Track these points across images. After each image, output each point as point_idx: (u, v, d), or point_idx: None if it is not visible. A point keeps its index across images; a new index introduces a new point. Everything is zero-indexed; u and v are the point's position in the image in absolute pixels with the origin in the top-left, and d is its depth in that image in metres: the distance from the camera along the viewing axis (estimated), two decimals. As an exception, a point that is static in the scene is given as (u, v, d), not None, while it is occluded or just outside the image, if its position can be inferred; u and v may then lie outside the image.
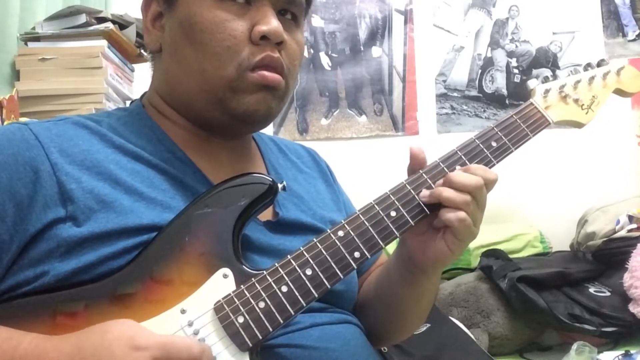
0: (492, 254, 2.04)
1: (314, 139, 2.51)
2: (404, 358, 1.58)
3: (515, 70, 2.53)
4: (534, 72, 2.52)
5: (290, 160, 0.99)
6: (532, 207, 2.38)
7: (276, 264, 0.73)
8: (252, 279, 0.71)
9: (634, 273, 1.75)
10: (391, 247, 0.86)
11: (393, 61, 2.56)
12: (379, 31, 2.57)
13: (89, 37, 1.69)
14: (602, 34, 2.50)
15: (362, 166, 2.39)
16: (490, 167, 0.82)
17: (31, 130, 0.76)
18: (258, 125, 0.87)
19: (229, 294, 0.70)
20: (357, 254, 0.74)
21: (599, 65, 0.95)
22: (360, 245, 0.75)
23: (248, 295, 0.70)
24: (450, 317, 1.84)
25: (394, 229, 0.76)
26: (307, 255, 0.73)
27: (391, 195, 0.78)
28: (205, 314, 0.69)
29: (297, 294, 0.71)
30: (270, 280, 0.71)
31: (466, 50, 2.55)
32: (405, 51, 2.56)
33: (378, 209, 0.77)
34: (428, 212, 0.78)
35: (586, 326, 1.75)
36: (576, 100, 0.91)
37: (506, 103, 2.52)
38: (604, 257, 1.98)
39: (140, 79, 1.82)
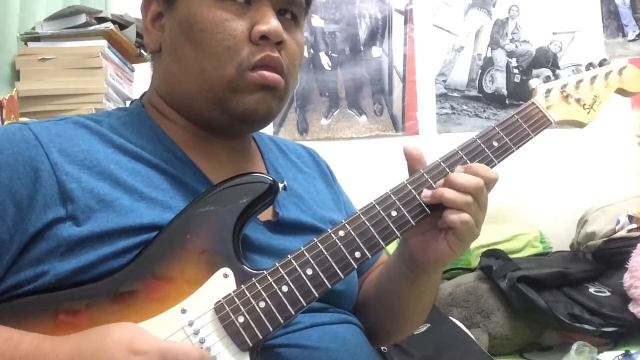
0: (492, 254, 2.04)
1: (314, 139, 2.51)
2: (404, 358, 1.58)
3: (515, 70, 2.53)
4: (534, 72, 2.52)
5: (290, 160, 0.99)
6: (532, 207, 2.38)
7: (277, 264, 0.73)
8: (253, 278, 0.71)
9: (634, 273, 1.75)
10: (391, 247, 0.86)
11: (393, 61, 2.56)
12: (379, 31, 2.57)
13: (89, 37, 1.69)
14: (602, 34, 2.50)
15: (362, 166, 2.39)
16: (491, 167, 0.82)
17: (31, 130, 0.76)
18: (258, 125, 0.87)
19: (230, 294, 0.70)
20: (357, 254, 0.74)
21: (600, 64, 0.94)
22: (361, 245, 0.75)
23: (248, 295, 0.70)
24: (450, 317, 1.84)
25: (394, 229, 0.76)
26: (307, 255, 0.73)
27: (392, 195, 0.78)
28: (205, 313, 0.69)
29: (297, 293, 0.71)
30: (270, 280, 0.71)
31: (466, 50, 2.55)
32: (405, 51, 2.56)
33: (379, 208, 0.77)
34: (429, 212, 0.78)
35: (586, 326, 1.75)
36: (578, 100, 0.91)
37: (506, 103, 2.52)
38: (604, 257, 1.98)
39: (140, 79, 1.82)
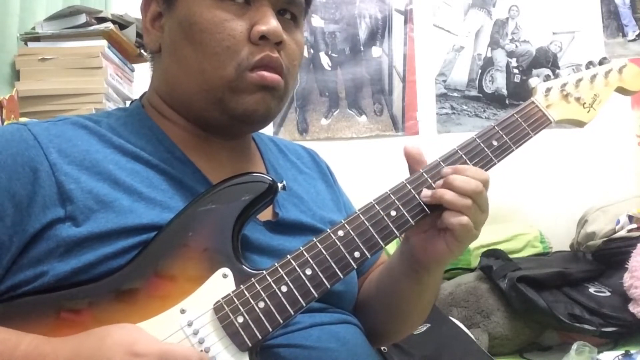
0: (492, 254, 2.04)
1: (314, 139, 2.51)
2: (404, 358, 1.58)
3: (515, 70, 2.53)
4: (534, 72, 2.52)
5: (290, 160, 0.99)
6: (532, 207, 2.38)
7: (276, 264, 0.72)
8: (252, 278, 0.71)
9: (634, 273, 1.75)
10: (391, 247, 0.86)
11: (393, 61, 2.56)
12: (379, 31, 2.57)
13: (89, 37, 1.69)
14: (602, 34, 2.50)
15: (362, 166, 2.39)
16: (491, 166, 0.83)
17: (30, 130, 0.76)
18: (257, 125, 0.87)
19: (229, 294, 0.70)
20: (357, 254, 0.74)
21: (600, 63, 0.94)
22: (360, 245, 0.75)
23: (247, 295, 0.70)
24: (450, 317, 1.84)
25: (394, 229, 0.76)
26: (306, 255, 0.73)
27: (391, 195, 0.78)
28: (204, 314, 0.69)
29: (296, 293, 0.71)
30: (269, 280, 0.71)
31: (466, 50, 2.55)
32: (405, 51, 2.56)
33: (378, 208, 0.77)
34: (428, 212, 0.78)
35: (586, 326, 1.75)
36: (578, 99, 0.91)
37: (506, 103, 2.52)
38: (604, 257, 1.98)
39: (140, 79, 1.82)
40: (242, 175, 0.77)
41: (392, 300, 0.91)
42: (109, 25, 1.70)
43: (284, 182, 0.78)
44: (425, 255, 0.82)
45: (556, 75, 0.92)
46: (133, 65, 1.90)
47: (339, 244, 0.74)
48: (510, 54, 2.54)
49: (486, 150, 0.83)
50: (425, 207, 0.78)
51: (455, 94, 2.53)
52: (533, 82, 0.91)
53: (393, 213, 0.77)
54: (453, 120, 2.52)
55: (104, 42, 1.69)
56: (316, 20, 2.58)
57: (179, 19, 0.81)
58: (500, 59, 2.54)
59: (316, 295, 0.72)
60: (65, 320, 0.68)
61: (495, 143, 0.83)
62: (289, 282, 0.71)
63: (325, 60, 2.57)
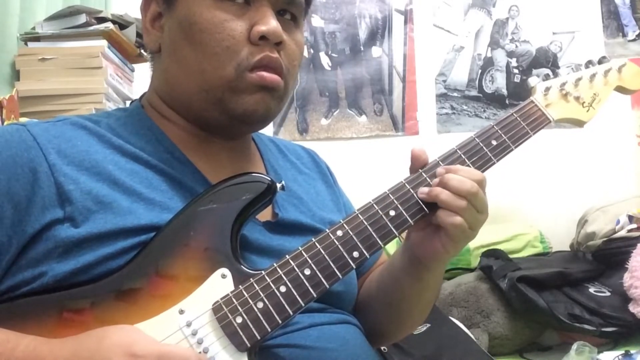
0: (492, 254, 2.04)
1: (314, 139, 2.51)
2: (404, 358, 1.58)
3: (515, 70, 2.53)
4: (534, 72, 2.52)
5: (289, 161, 0.99)
6: (532, 207, 2.38)
7: (275, 264, 0.72)
8: (251, 279, 0.71)
9: (634, 273, 1.74)
10: (391, 247, 0.86)
11: (393, 61, 2.56)
12: (379, 31, 2.57)
13: (89, 37, 1.69)
14: (602, 34, 2.50)
15: (362, 166, 2.39)
16: (490, 166, 0.83)
17: (29, 131, 0.76)
18: (257, 126, 0.87)
19: (228, 294, 0.70)
20: (355, 254, 0.74)
21: (600, 62, 0.94)
22: (359, 244, 0.75)
23: (246, 295, 0.70)
24: (450, 317, 1.84)
25: (392, 229, 0.76)
26: (305, 255, 0.73)
27: (390, 195, 0.78)
28: (203, 314, 0.69)
29: (295, 294, 0.71)
30: (268, 280, 0.71)
31: (466, 50, 2.55)
32: (405, 51, 2.56)
33: (377, 208, 0.77)
34: (427, 212, 0.78)
35: (586, 326, 1.75)
36: (577, 98, 0.91)
37: (506, 103, 2.52)
38: (604, 257, 1.98)
39: (140, 79, 1.82)
40: (241, 175, 0.77)
41: (392, 299, 0.91)
42: (109, 25, 1.70)
43: (283, 182, 0.78)
44: (422, 253, 0.82)
45: (555, 75, 0.92)
46: (133, 65, 1.90)
47: (337, 243, 0.74)
48: (510, 54, 2.54)
49: (485, 149, 0.83)
50: (424, 206, 0.78)
51: (455, 94, 2.53)
52: (532, 81, 0.91)
53: (392, 213, 0.77)
54: (453, 120, 2.52)
55: (104, 42, 1.69)
56: (316, 20, 2.58)
57: (179, 19, 0.81)
58: (500, 59, 2.54)
59: (315, 295, 0.72)
60: (64, 321, 0.68)
61: (494, 142, 0.83)
62: (287, 282, 0.71)
63: (325, 60, 2.57)
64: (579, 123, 0.92)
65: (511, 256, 2.05)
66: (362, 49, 2.57)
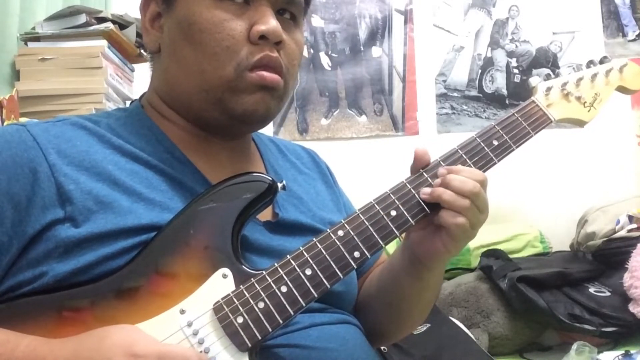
0: (492, 254, 2.04)
1: (314, 139, 2.51)
2: (404, 358, 1.58)
3: (515, 70, 2.53)
4: (534, 72, 2.52)
5: (289, 161, 0.99)
6: (532, 207, 2.38)
7: (275, 264, 0.72)
8: (252, 279, 0.71)
9: (634, 273, 1.74)
10: (391, 247, 0.86)
11: (393, 61, 2.56)
12: (379, 31, 2.57)
13: (89, 37, 1.69)
14: (602, 34, 2.50)
15: (362, 166, 2.39)
16: (491, 166, 0.83)
17: (29, 131, 0.76)
18: (257, 125, 0.87)
19: (228, 294, 0.70)
20: (356, 254, 0.74)
21: (601, 62, 0.94)
22: (360, 244, 0.75)
23: (247, 295, 0.70)
24: (450, 317, 1.84)
25: (394, 229, 0.76)
26: (306, 255, 0.73)
27: (391, 195, 0.78)
28: (204, 314, 0.69)
29: (296, 294, 0.71)
30: (269, 280, 0.71)
31: (466, 50, 2.55)
32: (405, 51, 2.56)
33: (378, 208, 0.77)
34: (429, 212, 0.78)
35: (586, 326, 1.75)
36: (578, 98, 0.91)
37: (506, 103, 2.52)
38: (604, 257, 1.98)
39: (140, 79, 1.82)
40: (241, 175, 0.77)
41: (392, 298, 0.91)
42: (109, 25, 1.70)
43: (284, 182, 0.78)
44: (423, 252, 0.82)
45: (557, 75, 0.92)
46: (133, 65, 1.90)
47: (338, 243, 0.74)
48: (510, 54, 2.54)
49: (486, 149, 0.83)
50: (425, 206, 0.78)
51: (455, 94, 2.53)
52: (533, 81, 0.91)
53: (393, 213, 0.77)
54: (453, 120, 2.52)
55: (104, 42, 1.69)
56: (316, 20, 2.58)
57: (178, 19, 0.81)
58: (500, 59, 2.54)
59: (316, 295, 0.72)
60: (65, 321, 0.68)
61: (495, 142, 0.83)
62: (288, 282, 0.71)
63: (325, 60, 2.57)
64: (580, 123, 0.92)
65: (511, 256, 2.05)
66: (362, 49, 2.57)
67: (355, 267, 0.74)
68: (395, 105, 2.54)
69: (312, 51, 2.57)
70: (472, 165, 0.81)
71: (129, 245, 0.71)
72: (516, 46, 2.54)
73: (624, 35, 2.50)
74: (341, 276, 0.73)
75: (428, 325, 1.71)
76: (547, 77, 0.91)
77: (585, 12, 2.51)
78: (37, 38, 1.69)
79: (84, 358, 0.63)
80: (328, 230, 0.75)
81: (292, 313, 0.70)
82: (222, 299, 0.70)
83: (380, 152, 2.47)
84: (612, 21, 2.51)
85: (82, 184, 0.73)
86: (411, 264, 0.85)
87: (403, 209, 0.77)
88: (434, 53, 2.55)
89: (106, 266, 0.70)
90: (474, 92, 2.54)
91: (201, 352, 0.67)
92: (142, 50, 1.85)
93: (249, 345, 0.68)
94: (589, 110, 0.91)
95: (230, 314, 0.69)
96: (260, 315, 0.69)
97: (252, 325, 0.69)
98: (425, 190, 0.78)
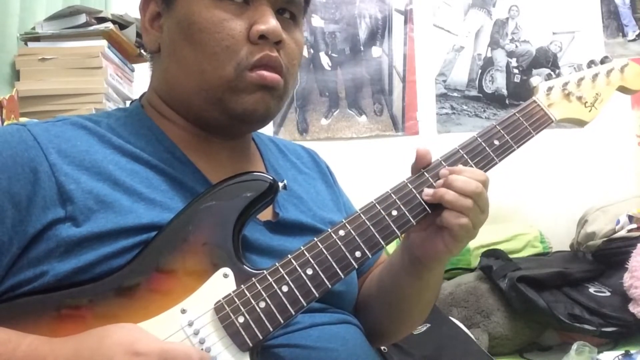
0: (492, 254, 2.04)
1: (314, 139, 2.51)
2: (404, 358, 1.58)
3: (515, 70, 2.53)
4: (534, 72, 2.52)
5: (290, 160, 0.99)
6: (532, 207, 2.38)
7: (277, 264, 0.72)
8: (253, 278, 0.71)
9: (634, 273, 1.75)
10: (391, 247, 0.86)
11: (393, 61, 2.56)
12: (379, 31, 2.57)
13: (89, 37, 1.69)
14: (602, 34, 2.50)
15: (362, 166, 2.39)
16: (492, 166, 0.83)
17: (29, 131, 0.76)
18: (257, 125, 0.86)
19: (229, 294, 0.70)
20: (358, 254, 0.74)
21: (602, 62, 0.94)
22: (361, 244, 0.75)
23: (248, 295, 0.70)
24: (450, 317, 1.84)
25: (395, 228, 0.76)
26: (307, 255, 0.73)
27: (393, 195, 0.78)
28: (205, 313, 0.69)
29: (297, 293, 0.71)
30: (270, 280, 0.71)
31: (466, 50, 2.55)
32: (405, 51, 2.56)
33: (379, 208, 0.77)
34: (430, 212, 0.78)
35: (586, 326, 1.75)
36: (579, 98, 0.91)
37: (506, 103, 2.52)
38: (604, 257, 1.98)
39: (140, 79, 1.82)
40: (242, 175, 0.77)
41: (392, 298, 0.91)
42: (109, 25, 1.69)
43: (285, 182, 0.78)
44: (423, 253, 0.82)
45: (558, 75, 0.92)
46: (133, 65, 1.90)
47: (339, 243, 0.74)
48: (510, 54, 2.54)
49: (487, 149, 0.83)
50: (426, 206, 0.78)
51: (455, 94, 2.53)
52: (534, 81, 0.91)
53: (394, 212, 0.77)
54: (453, 120, 2.52)
55: (104, 42, 1.69)
56: (316, 20, 2.58)
57: (178, 18, 0.81)
58: (500, 59, 2.54)
59: (317, 295, 0.72)
60: (66, 320, 0.68)
61: (496, 142, 0.83)
62: (289, 281, 0.71)
63: (325, 60, 2.57)
64: (581, 123, 0.92)
65: (511, 256, 2.05)
66: (362, 49, 2.57)
67: (356, 266, 0.74)
68: (395, 105, 2.54)
69: (312, 51, 2.57)
70: (473, 165, 0.81)
71: (130, 245, 0.71)
72: (516, 46, 2.54)
73: (624, 35, 2.50)
74: (342, 276, 0.73)
75: (428, 325, 1.71)
76: (548, 77, 0.91)
77: (585, 12, 2.51)
78: (37, 38, 1.69)
79: (85, 357, 0.62)
80: (329, 230, 0.75)
81: (293, 313, 0.70)
82: (223, 298, 0.70)
83: (380, 152, 2.47)
84: (612, 21, 2.51)
85: (82, 184, 0.73)
86: (411, 264, 0.85)
87: (404, 209, 0.77)
88: (434, 53, 2.55)
89: (107, 265, 0.70)
90: (474, 92, 2.54)
91: (202, 350, 0.67)
92: (142, 50, 1.85)
93: (250, 345, 0.68)
94: (590, 110, 0.91)
95: (231, 314, 0.69)
96: (262, 315, 0.69)
97: (253, 325, 0.69)
98: (428, 191, 0.78)
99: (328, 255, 0.73)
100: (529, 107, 0.88)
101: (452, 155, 0.82)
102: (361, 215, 0.76)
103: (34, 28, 1.70)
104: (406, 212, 0.77)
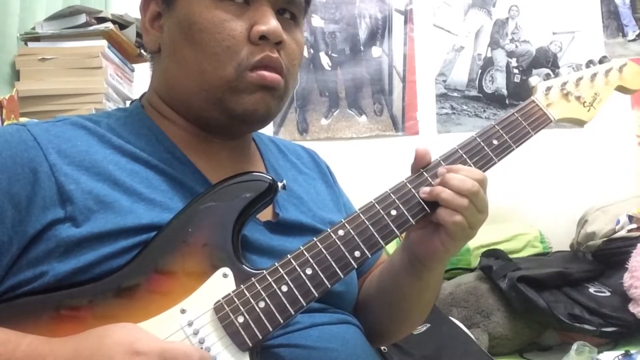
0: (492, 254, 2.04)
1: (314, 139, 2.51)
2: (404, 358, 1.58)
3: (515, 70, 2.53)
4: (534, 72, 2.52)
5: (290, 161, 0.99)
6: (532, 207, 2.38)
7: (276, 264, 0.72)
8: (252, 278, 0.71)
9: (634, 273, 1.74)
10: (391, 247, 0.86)
11: (393, 61, 2.56)
12: (379, 31, 2.57)
13: (89, 37, 1.69)
14: (602, 34, 2.50)
15: (362, 166, 2.39)
16: (491, 166, 0.83)
17: (29, 131, 0.76)
18: (257, 125, 0.87)
19: (229, 294, 0.70)
20: (357, 253, 0.74)
21: (600, 62, 0.94)
22: (361, 244, 0.75)
23: (248, 295, 0.70)
24: (450, 317, 1.84)
25: (394, 228, 0.76)
26: (307, 255, 0.73)
27: (392, 194, 0.78)
28: (205, 313, 0.69)
29: (297, 293, 0.71)
30: (270, 279, 0.71)
31: (466, 50, 2.55)
32: (405, 51, 2.56)
33: (378, 207, 0.77)
34: (429, 211, 0.78)
35: (586, 326, 1.75)
36: (578, 98, 0.91)
37: (506, 103, 2.52)
38: (604, 257, 1.98)
39: (140, 79, 1.82)
40: (242, 175, 0.77)
41: (392, 298, 0.91)
42: (109, 25, 1.70)
43: (284, 182, 0.78)
44: (422, 252, 0.82)
45: (556, 75, 0.92)
46: (133, 65, 1.90)
47: (339, 243, 0.74)
48: (510, 54, 2.54)
49: (486, 149, 0.83)
50: (425, 206, 0.78)
51: (455, 94, 2.53)
52: (533, 80, 0.91)
53: (393, 212, 0.77)
54: (453, 120, 2.52)
55: (104, 42, 1.69)
56: (316, 20, 2.58)
57: (179, 19, 0.81)
58: (500, 59, 2.54)
59: (316, 295, 0.72)
60: (66, 320, 0.68)
61: (495, 142, 0.83)
62: (289, 281, 0.71)
63: (325, 60, 2.57)
64: (580, 123, 0.92)
65: (511, 256, 2.05)
66: (362, 49, 2.57)
67: (355, 266, 0.74)
68: (395, 105, 2.54)
69: (312, 51, 2.57)
70: (472, 164, 0.81)
71: (129, 245, 0.71)
72: (516, 46, 2.54)
73: (624, 35, 2.50)
74: (342, 276, 0.73)
75: (428, 325, 1.71)
76: (547, 77, 0.91)
77: (585, 12, 2.51)
78: (37, 38, 1.69)
79: (85, 357, 0.63)
80: (328, 230, 0.75)
81: (292, 313, 0.70)
82: (223, 298, 0.70)
83: (380, 152, 2.47)
84: (612, 21, 2.51)
85: (82, 184, 0.73)
86: (411, 264, 0.85)
87: (403, 209, 0.77)
88: (434, 53, 2.55)
89: (106, 265, 0.70)
90: (474, 92, 2.54)
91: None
92: (142, 50, 1.85)
93: (250, 345, 0.68)
94: (588, 110, 0.91)
95: (230, 314, 0.69)
96: (261, 314, 0.69)
97: (252, 325, 0.69)
98: (425, 189, 0.78)
99: (327, 255, 0.73)
100: (527, 107, 0.88)
101: (451, 155, 0.82)
102: (360, 215, 0.76)
103: (34, 28, 1.70)
104: (405, 212, 0.77)
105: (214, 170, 0.83)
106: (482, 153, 0.82)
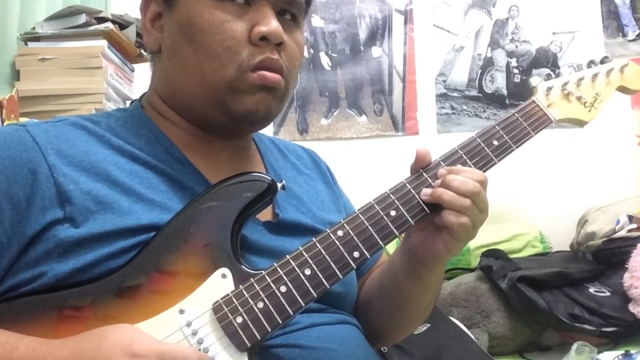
0: (492, 254, 2.04)
1: (314, 139, 2.51)
2: (404, 358, 1.58)
3: (515, 70, 2.53)
4: (534, 72, 2.52)
5: (290, 161, 0.99)
6: (532, 207, 2.38)
7: (275, 264, 0.72)
8: (251, 279, 0.71)
9: (634, 273, 1.75)
10: (391, 247, 0.86)
11: (393, 61, 2.56)
12: (379, 31, 2.57)
13: (89, 37, 1.69)
14: (602, 34, 2.50)
15: (362, 166, 2.39)
16: (491, 166, 0.82)
17: (28, 131, 0.75)
18: (258, 126, 0.86)
19: (228, 294, 0.70)
20: (356, 254, 0.74)
21: (602, 62, 0.94)
22: (360, 244, 0.75)
23: (247, 295, 0.70)
24: (450, 317, 1.84)
25: (393, 229, 0.76)
26: (306, 255, 0.73)
27: (391, 195, 0.78)
28: (203, 314, 0.69)
29: (295, 294, 0.71)
30: (269, 280, 0.71)
31: (466, 50, 2.55)
32: (405, 51, 2.56)
33: (378, 208, 0.77)
34: (428, 212, 0.78)
35: (586, 326, 1.75)
36: (579, 98, 0.91)
37: (506, 103, 2.52)
38: (604, 257, 1.98)
39: (140, 79, 1.82)
40: (241, 175, 0.77)
41: (392, 298, 0.91)
42: (109, 25, 1.70)
43: (284, 182, 0.78)
44: (423, 253, 0.82)
45: (557, 75, 0.92)
46: (133, 65, 1.90)
47: (338, 244, 0.74)
48: (510, 54, 2.54)
49: (486, 149, 0.83)
50: (425, 206, 0.78)
51: (455, 94, 2.53)
52: (534, 81, 0.91)
53: (393, 213, 0.77)
54: (453, 120, 2.52)
55: (104, 42, 1.69)
56: (316, 20, 2.58)
57: (179, 19, 0.81)
58: (500, 59, 2.54)
59: (315, 295, 0.72)
60: (65, 321, 0.68)
61: (495, 142, 0.83)
62: (288, 282, 0.71)
63: (325, 60, 2.57)
64: (581, 123, 0.92)
65: (511, 256, 2.05)
66: (362, 49, 2.57)
67: (354, 267, 0.74)
68: (395, 105, 2.54)
69: (312, 51, 2.57)
70: (472, 165, 0.81)
71: (129, 245, 0.71)
72: (516, 46, 2.54)
73: (624, 35, 2.50)
74: (340, 276, 0.73)
75: (428, 325, 1.71)
76: (548, 77, 0.91)
77: (585, 12, 2.51)
78: (37, 38, 1.69)
79: (84, 358, 0.63)
80: (327, 230, 0.75)
81: (291, 313, 0.70)
82: (222, 298, 0.70)
83: (380, 152, 2.47)
84: (612, 21, 2.51)
85: (81, 185, 0.73)
86: (411, 265, 0.85)
87: (403, 209, 0.77)
88: (434, 53, 2.55)
89: (106, 266, 0.70)
90: (474, 92, 2.54)
91: (200, 351, 0.67)
92: (142, 50, 1.85)
93: (248, 345, 0.68)
94: (589, 110, 0.91)
95: (229, 314, 0.69)
96: (260, 315, 0.69)
97: (251, 325, 0.69)
98: (426, 191, 0.78)
99: (326, 256, 0.73)
100: (528, 107, 0.88)
101: (451, 156, 0.82)
102: (360, 215, 0.76)
103: (34, 28, 1.70)
104: (404, 213, 0.77)
105: (214, 171, 0.83)
106: (483, 153, 0.82)
